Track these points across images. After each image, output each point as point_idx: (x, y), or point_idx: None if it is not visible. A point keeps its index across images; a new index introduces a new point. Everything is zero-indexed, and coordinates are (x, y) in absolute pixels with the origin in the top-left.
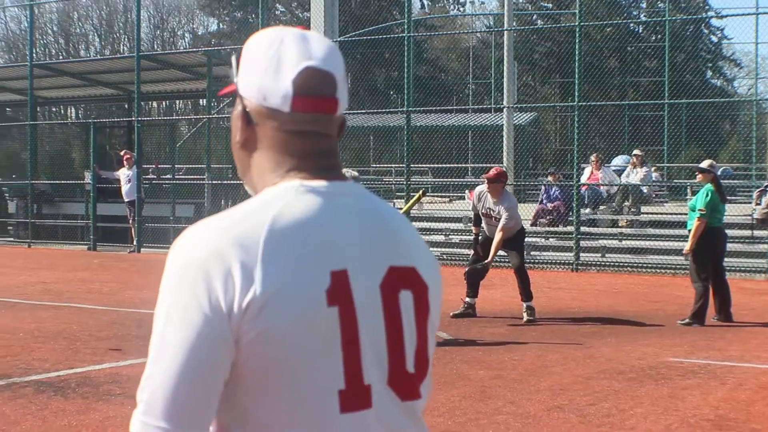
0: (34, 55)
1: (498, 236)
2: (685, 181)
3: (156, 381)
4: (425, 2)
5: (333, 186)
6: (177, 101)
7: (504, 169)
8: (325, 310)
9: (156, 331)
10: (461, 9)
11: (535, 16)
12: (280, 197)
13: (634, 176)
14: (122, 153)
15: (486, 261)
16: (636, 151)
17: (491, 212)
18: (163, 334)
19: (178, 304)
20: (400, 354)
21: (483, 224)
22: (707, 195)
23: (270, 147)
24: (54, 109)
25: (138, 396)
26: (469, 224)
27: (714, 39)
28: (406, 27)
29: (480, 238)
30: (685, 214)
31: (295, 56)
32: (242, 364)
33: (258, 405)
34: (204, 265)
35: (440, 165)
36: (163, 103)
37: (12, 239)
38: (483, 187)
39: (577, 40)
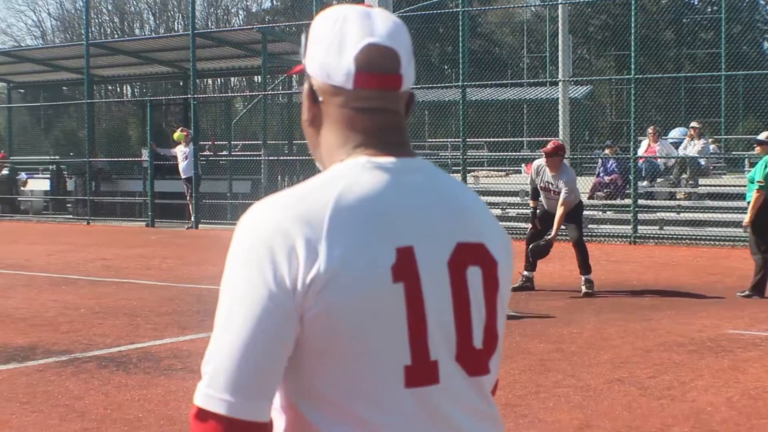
0: (89, 34)
1: (560, 210)
2: (743, 152)
3: (221, 355)
4: None
5: (400, 162)
6: (232, 78)
7: (561, 142)
8: (390, 287)
9: (221, 306)
10: None
11: None
12: (347, 173)
13: (692, 148)
14: (179, 130)
15: (549, 237)
16: (693, 124)
17: (550, 186)
18: (228, 309)
19: (243, 279)
20: (467, 330)
21: (541, 198)
22: (766, 167)
23: (337, 124)
24: (110, 88)
25: (202, 369)
26: (525, 198)
27: None
28: (460, 1)
29: (538, 212)
30: (744, 186)
31: (357, 33)
32: (306, 339)
33: (322, 380)
34: (269, 242)
35: (496, 139)
36: (218, 80)
37: (71, 216)
38: (541, 161)
39: (632, 13)
